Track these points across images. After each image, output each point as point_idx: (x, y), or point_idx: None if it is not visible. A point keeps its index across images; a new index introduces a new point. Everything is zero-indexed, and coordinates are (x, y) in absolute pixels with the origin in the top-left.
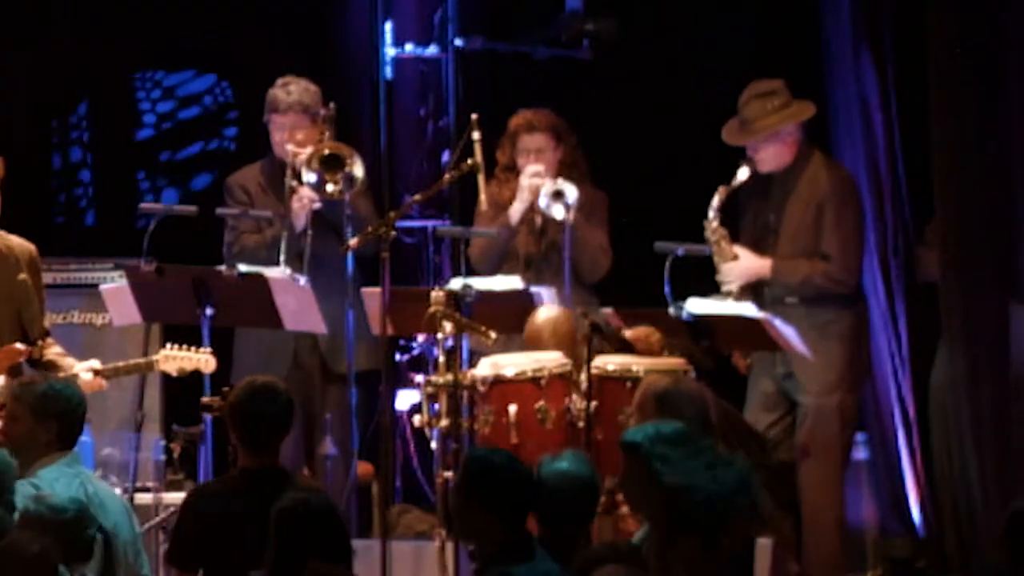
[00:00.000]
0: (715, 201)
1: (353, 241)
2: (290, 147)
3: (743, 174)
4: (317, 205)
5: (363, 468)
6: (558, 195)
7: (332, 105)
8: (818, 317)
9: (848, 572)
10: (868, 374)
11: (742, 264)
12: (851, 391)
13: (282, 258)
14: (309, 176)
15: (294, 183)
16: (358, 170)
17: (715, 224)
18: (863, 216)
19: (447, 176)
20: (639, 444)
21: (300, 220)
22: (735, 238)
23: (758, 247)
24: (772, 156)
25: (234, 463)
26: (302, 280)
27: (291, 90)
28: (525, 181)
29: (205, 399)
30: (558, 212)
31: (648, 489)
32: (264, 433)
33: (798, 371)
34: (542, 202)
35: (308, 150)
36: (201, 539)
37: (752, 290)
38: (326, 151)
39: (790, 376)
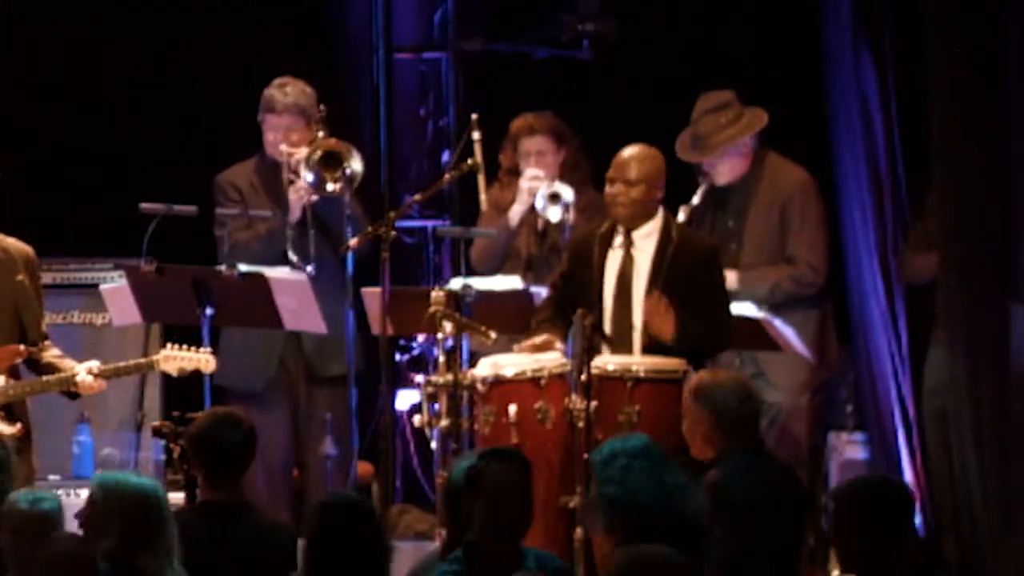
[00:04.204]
0: (679, 219)
1: (353, 241)
2: (284, 148)
3: (702, 190)
4: (315, 197)
5: (363, 468)
6: (555, 197)
7: (323, 107)
8: (788, 322)
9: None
10: (835, 370)
11: None
12: (819, 391)
13: (290, 249)
14: (307, 175)
15: (292, 175)
16: (357, 165)
17: None
18: (826, 213)
19: (447, 176)
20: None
21: (296, 212)
22: None
23: None
24: (729, 169)
25: (186, 487)
26: (309, 268)
27: (288, 91)
28: (524, 183)
29: (155, 424)
30: (554, 214)
31: (594, 503)
32: (225, 464)
33: (768, 371)
34: (538, 203)
35: (303, 150)
36: None
37: None
38: (323, 150)
39: (759, 376)
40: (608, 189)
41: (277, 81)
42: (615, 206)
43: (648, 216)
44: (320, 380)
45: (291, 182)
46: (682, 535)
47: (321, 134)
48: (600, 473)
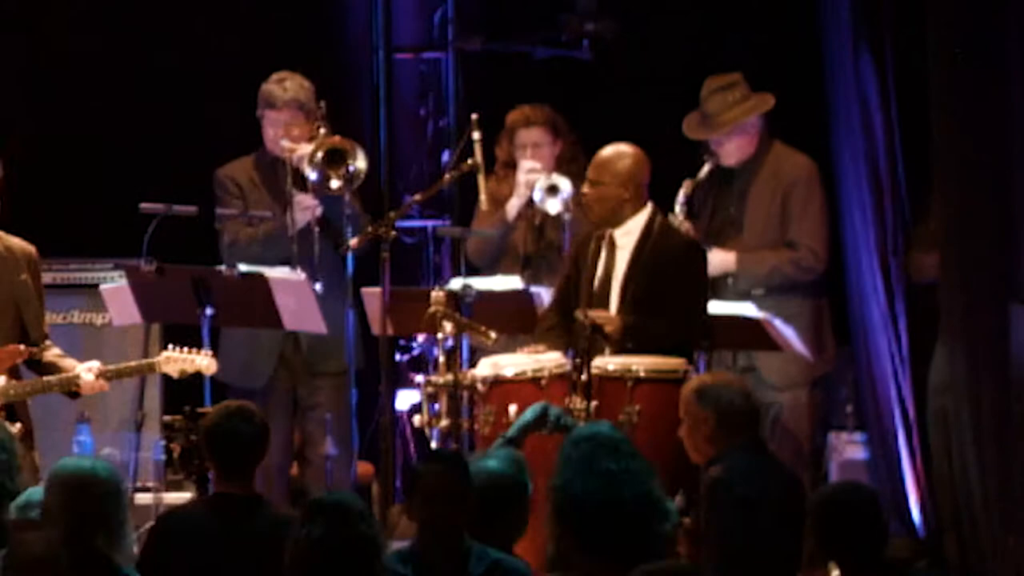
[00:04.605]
0: (680, 195)
1: (353, 241)
2: (285, 143)
3: (707, 168)
4: (319, 211)
5: (363, 468)
6: (553, 189)
7: (323, 103)
8: (783, 310)
9: None
10: (831, 366)
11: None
12: (816, 385)
13: (294, 261)
14: (311, 173)
15: (293, 190)
16: (361, 163)
17: (681, 217)
18: (826, 202)
19: (447, 176)
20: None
21: (300, 224)
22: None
23: (718, 241)
24: (736, 149)
25: (197, 482)
26: (318, 286)
27: (287, 86)
28: (522, 176)
29: (167, 418)
30: (553, 207)
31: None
32: (239, 457)
33: (761, 366)
34: (536, 196)
35: (303, 146)
36: (168, 564)
37: (714, 284)
38: (326, 147)
39: (751, 370)
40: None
41: (275, 76)
42: (584, 204)
43: (620, 215)
44: (319, 375)
45: (291, 196)
46: (616, 524)
47: (323, 131)
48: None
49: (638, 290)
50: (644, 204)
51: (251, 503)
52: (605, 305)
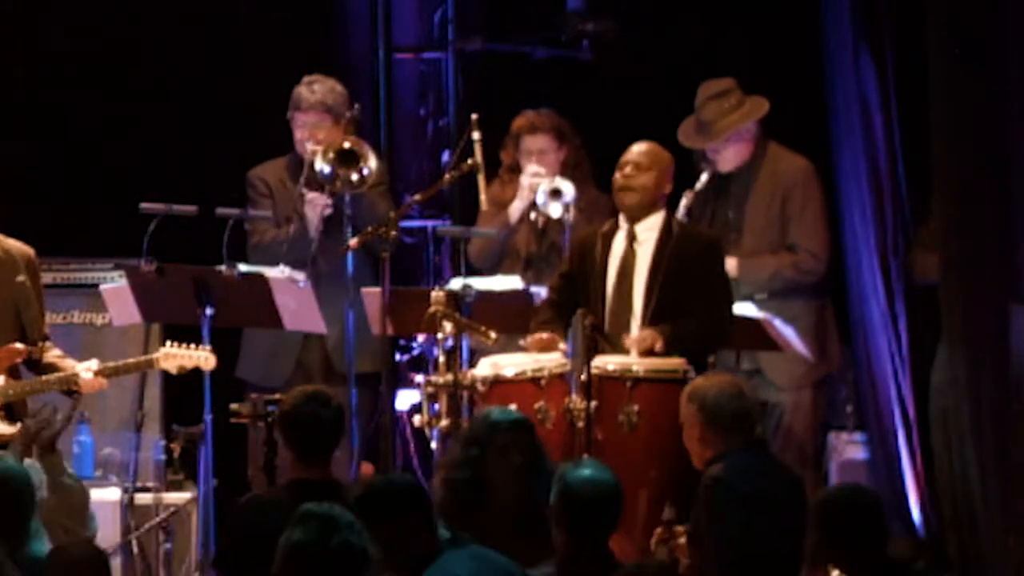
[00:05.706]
0: (682, 206)
1: (353, 241)
2: (310, 145)
3: (706, 176)
4: (329, 211)
5: (363, 468)
6: (556, 193)
7: (357, 107)
8: (785, 312)
9: None
10: (835, 367)
11: None
12: (820, 386)
13: (283, 258)
14: (323, 167)
15: (304, 190)
16: (372, 163)
17: None
18: (826, 202)
19: (447, 176)
20: None
21: (313, 224)
22: None
23: None
24: (733, 155)
25: (266, 469)
26: (300, 278)
27: (315, 89)
28: (525, 180)
29: (234, 405)
30: (555, 210)
31: None
32: (317, 442)
33: (766, 367)
34: (539, 199)
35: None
36: (247, 549)
37: None
38: (341, 146)
39: (756, 372)
40: (617, 175)
41: (306, 78)
42: (625, 190)
43: (653, 209)
44: (340, 378)
45: (302, 195)
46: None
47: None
48: None
49: (665, 287)
50: (664, 205)
51: (328, 488)
52: (627, 301)
